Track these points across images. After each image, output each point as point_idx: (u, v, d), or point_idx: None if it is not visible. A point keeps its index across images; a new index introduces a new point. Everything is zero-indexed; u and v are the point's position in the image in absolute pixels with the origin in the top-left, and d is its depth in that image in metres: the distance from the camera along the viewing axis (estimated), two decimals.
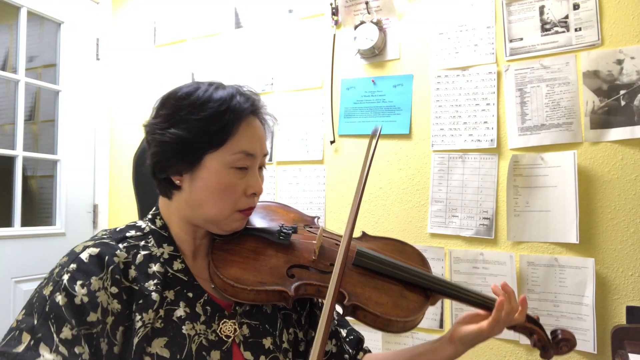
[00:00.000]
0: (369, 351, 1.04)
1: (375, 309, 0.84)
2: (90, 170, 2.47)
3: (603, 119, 1.55)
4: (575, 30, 1.60)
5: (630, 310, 1.49)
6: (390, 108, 1.89)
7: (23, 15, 2.17)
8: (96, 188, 2.48)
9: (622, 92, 1.53)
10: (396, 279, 0.92)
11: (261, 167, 0.91)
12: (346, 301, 0.84)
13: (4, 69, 2.29)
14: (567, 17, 1.61)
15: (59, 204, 2.32)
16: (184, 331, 0.78)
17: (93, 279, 0.73)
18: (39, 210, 2.36)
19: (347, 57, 1.98)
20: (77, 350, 0.68)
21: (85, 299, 0.71)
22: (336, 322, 1.03)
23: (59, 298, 0.70)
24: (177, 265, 0.84)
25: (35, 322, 0.68)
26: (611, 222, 1.53)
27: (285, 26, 2.12)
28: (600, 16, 1.57)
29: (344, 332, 1.03)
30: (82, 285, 0.72)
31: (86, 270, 0.74)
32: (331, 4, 1.98)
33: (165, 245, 0.85)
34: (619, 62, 1.53)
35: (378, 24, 1.87)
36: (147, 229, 0.87)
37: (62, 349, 0.67)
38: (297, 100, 2.07)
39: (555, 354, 0.97)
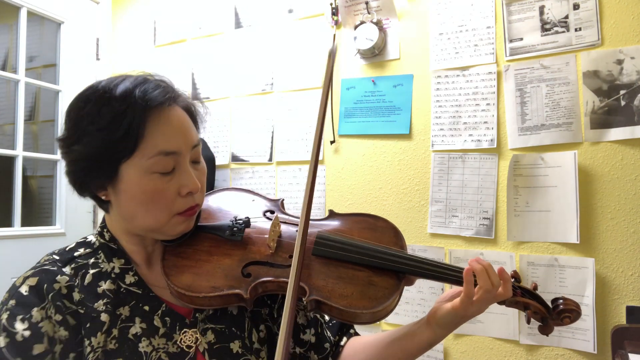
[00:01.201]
0: (357, 334, 0.97)
1: (339, 302, 0.77)
2: None
3: (603, 119, 1.55)
4: (575, 30, 1.60)
5: (630, 310, 1.49)
6: (390, 108, 1.89)
7: (23, 15, 2.17)
8: None
9: (622, 92, 1.53)
10: (363, 265, 0.83)
11: (196, 160, 0.81)
12: (307, 297, 0.77)
13: (4, 69, 2.29)
14: (567, 17, 1.61)
15: (59, 204, 2.32)
16: (140, 349, 0.74)
17: (34, 311, 0.70)
18: (39, 210, 2.36)
19: (347, 57, 1.98)
20: None
21: (27, 333, 0.68)
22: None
23: (0, 340, 0.67)
24: (129, 278, 0.79)
25: None
26: (611, 222, 1.53)
27: (285, 26, 2.12)
28: (600, 16, 1.57)
29: (327, 317, 0.96)
30: (23, 320, 0.69)
31: (26, 303, 0.70)
32: (331, 4, 1.98)
33: (115, 259, 0.80)
34: (619, 62, 1.53)
35: (378, 24, 1.87)
36: (97, 243, 0.82)
37: None
38: (297, 100, 2.07)
39: (557, 325, 0.86)
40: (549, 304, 0.87)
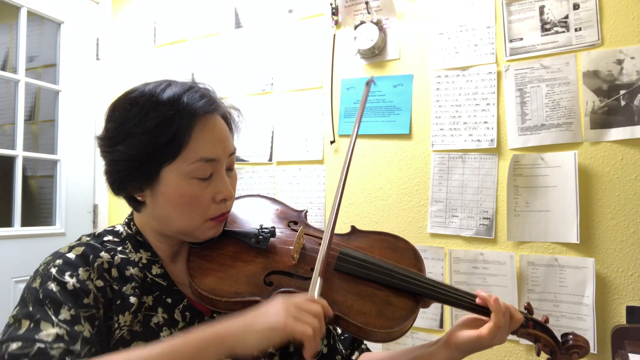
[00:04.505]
0: (368, 350, 0.99)
1: (357, 319, 0.78)
2: (90, 170, 2.47)
3: (603, 119, 1.55)
4: (575, 30, 1.60)
5: (630, 310, 1.49)
6: (390, 108, 1.89)
7: (23, 15, 2.17)
8: (96, 188, 2.48)
9: (622, 92, 1.53)
10: (382, 284, 0.85)
11: (230, 168, 0.84)
12: None
13: (4, 69, 2.29)
14: (567, 17, 1.61)
15: (59, 204, 2.32)
16: (162, 337, 0.77)
17: (80, 270, 0.72)
18: (39, 210, 2.36)
19: (347, 57, 1.98)
20: (77, 328, 0.66)
21: (77, 285, 0.70)
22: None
23: (52, 286, 0.69)
24: (155, 270, 0.82)
25: (31, 309, 0.67)
26: (611, 222, 1.53)
27: (285, 26, 2.12)
28: (600, 16, 1.57)
29: (339, 330, 0.98)
30: (71, 276, 0.71)
31: (72, 263, 0.73)
32: (331, 4, 1.98)
33: (142, 250, 0.83)
34: (619, 62, 1.53)
35: (378, 24, 1.87)
36: (124, 233, 0.84)
37: (63, 325, 0.66)
38: (297, 100, 2.07)
39: None
40: (559, 338, 0.89)
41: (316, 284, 0.72)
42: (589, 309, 1.52)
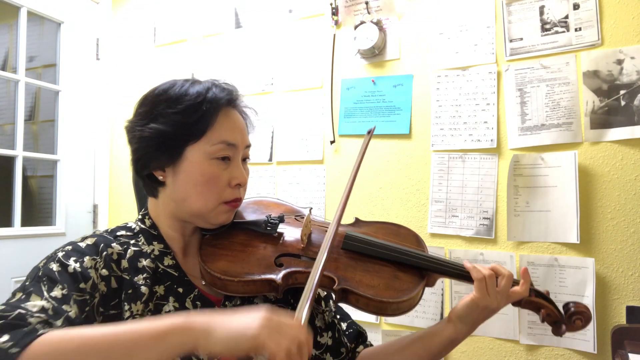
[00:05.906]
0: (371, 345, 1.02)
1: (367, 292, 0.83)
2: (90, 170, 2.47)
3: (603, 119, 1.55)
4: (575, 30, 1.60)
5: (630, 310, 1.49)
6: (390, 108, 1.89)
7: (23, 15, 2.17)
8: (96, 188, 2.48)
9: (622, 92, 1.53)
10: (388, 260, 0.91)
11: (245, 159, 0.91)
12: (336, 285, 0.83)
13: (4, 69, 2.29)
14: (567, 17, 1.61)
15: (59, 204, 2.32)
16: None
17: (86, 258, 0.76)
18: (39, 210, 2.36)
19: (347, 57, 1.98)
20: (65, 307, 0.68)
21: (78, 269, 0.74)
22: (337, 316, 1.02)
23: (53, 266, 0.73)
24: (167, 261, 0.85)
25: (27, 283, 0.71)
26: (611, 222, 1.53)
27: (285, 26, 2.12)
28: (600, 16, 1.57)
29: (344, 325, 1.02)
30: (76, 261, 0.75)
31: (81, 251, 0.77)
32: (331, 4, 1.98)
33: (155, 242, 0.86)
34: (619, 62, 1.53)
35: (378, 23, 1.87)
36: (137, 228, 0.88)
37: (52, 301, 0.68)
38: (297, 100, 2.07)
39: (569, 329, 0.92)
40: (561, 307, 0.94)
41: (309, 295, 0.70)
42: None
